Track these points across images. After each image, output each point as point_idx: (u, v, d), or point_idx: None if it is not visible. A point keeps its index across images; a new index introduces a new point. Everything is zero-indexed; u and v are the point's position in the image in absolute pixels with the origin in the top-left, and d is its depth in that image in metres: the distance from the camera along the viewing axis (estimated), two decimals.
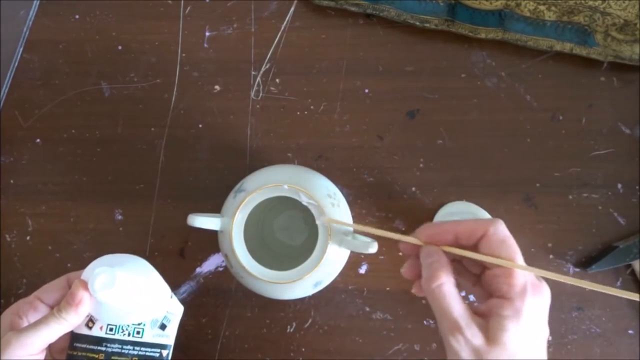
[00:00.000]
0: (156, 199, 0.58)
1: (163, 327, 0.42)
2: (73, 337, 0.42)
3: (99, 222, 0.58)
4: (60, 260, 0.58)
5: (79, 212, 0.58)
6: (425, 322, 0.55)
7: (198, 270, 0.57)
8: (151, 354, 0.42)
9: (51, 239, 0.58)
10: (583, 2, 0.54)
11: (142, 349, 0.42)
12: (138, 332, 0.42)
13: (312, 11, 0.58)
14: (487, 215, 0.54)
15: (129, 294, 0.40)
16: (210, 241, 0.53)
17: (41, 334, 0.39)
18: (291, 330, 0.56)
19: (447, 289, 0.36)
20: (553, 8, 0.54)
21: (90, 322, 0.42)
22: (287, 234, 0.56)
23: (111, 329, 0.42)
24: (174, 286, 0.56)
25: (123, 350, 0.41)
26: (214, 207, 0.53)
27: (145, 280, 0.42)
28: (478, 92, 0.56)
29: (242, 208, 0.45)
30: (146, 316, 0.42)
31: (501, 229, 0.37)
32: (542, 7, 0.54)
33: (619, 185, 0.55)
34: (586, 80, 0.56)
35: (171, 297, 0.43)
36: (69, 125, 0.59)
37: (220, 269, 0.56)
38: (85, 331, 0.42)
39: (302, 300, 0.56)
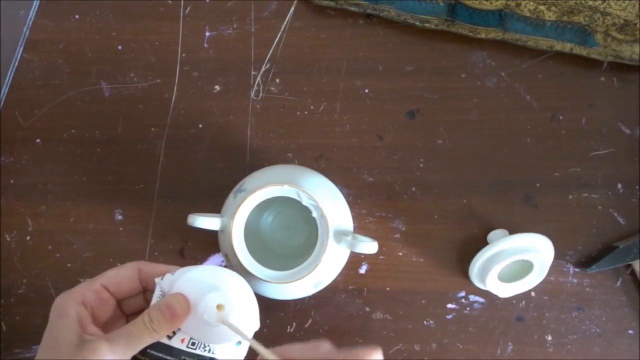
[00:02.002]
0: (156, 199, 0.58)
1: (238, 342, 0.40)
2: None
3: (98, 222, 0.58)
4: (60, 260, 0.58)
5: (78, 212, 0.58)
6: (425, 322, 0.55)
7: None
8: None
9: (51, 239, 0.58)
10: (583, 2, 0.54)
11: None
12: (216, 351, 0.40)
13: (312, 11, 0.58)
14: (546, 249, 0.52)
15: (230, 319, 0.38)
16: (210, 241, 0.53)
17: (133, 345, 0.36)
18: (291, 330, 0.56)
19: None
20: (553, 8, 0.54)
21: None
22: (287, 234, 0.56)
23: (193, 344, 0.39)
24: None
25: None
26: (214, 207, 0.53)
27: (249, 306, 0.40)
28: (478, 92, 0.56)
29: (242, 208, 0.45)
30: (232, 338, 0.40)
31: None
32: (542, 7, 0.54)
33: (619, 185, 0.55)
34: (586, 80, 0.56)
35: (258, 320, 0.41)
36: (69, 125, 0.59)
37: None
38: (164, 340, 0.39)
39: (302, 300, 0.56)
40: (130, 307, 0.42)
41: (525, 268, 0.52)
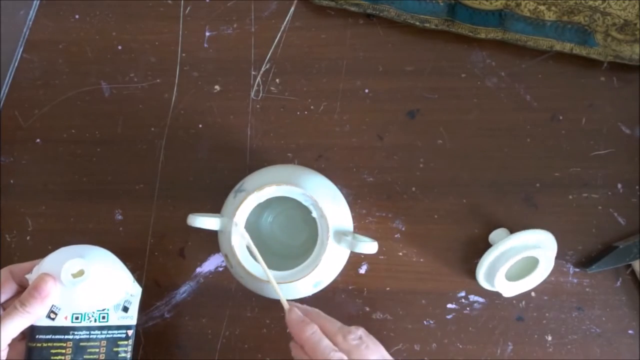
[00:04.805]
0: (156, 199, 0.58)
1: (125, 309, 0.45)
2: (34, 329, 0.42)
3: (99, 222, 0.58)
4: None
5: (78, 212, 0.58)
6: (425, 322, 0.55)
7: (198, 270, 0.57)
8: (118, 335, 0.44)
9: (51, 239, 0.58)
10: (583, 2, 0.54)
11: (109, 331, 0.44)
12: (103, 317, 0.44)
13: (312, 11, 0.58)
14: (552, 245, 0.53)
15: (99, 282, 0.42)
16: (210, 241, 0.53)
17: (6, 330, 0.38)
18: None
19: None
20: (553, 8, 0.54)
21: (52, 313, 0.43)
22: (287, 234, 0.56)
23: (77, 318, 0.43)
24: (174, 286, 0.56)
25: (91, 336, 0.44)
26: (214, 207, 0.53)
27: (111, 268, 0.45)
28: (478, 92, 0.56)
29: (242, 208, 0.45)
30: (110, 302, 0.44)
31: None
32: (542, 7, 0.54)
33: (619, 185, 0.55)
34: (586, 80, 0.56)
35: (133, 281, 0.46)
36: (69, 125, 0.59)
37: (220, 269, 0.56)
38: (47, 323, 0.43)
39: (302, 300, 0.56)
40: None
41: (530, 264, 0.52)
